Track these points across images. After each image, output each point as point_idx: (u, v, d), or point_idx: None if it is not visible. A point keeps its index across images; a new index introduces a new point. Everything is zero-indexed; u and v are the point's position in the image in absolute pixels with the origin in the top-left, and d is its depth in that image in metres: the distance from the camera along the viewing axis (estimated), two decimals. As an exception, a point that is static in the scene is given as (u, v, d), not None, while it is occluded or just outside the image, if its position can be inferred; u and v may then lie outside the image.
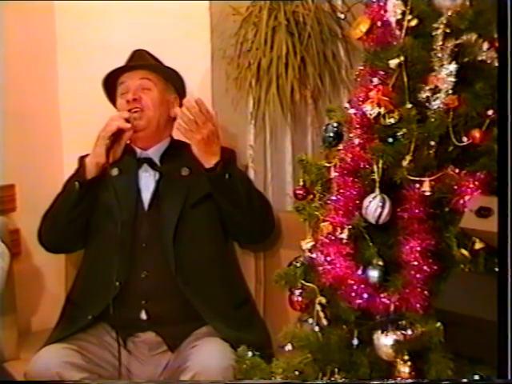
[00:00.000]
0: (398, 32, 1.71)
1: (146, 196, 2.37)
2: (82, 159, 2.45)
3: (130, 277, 2.28)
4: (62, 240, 2.41)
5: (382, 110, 1.67)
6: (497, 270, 1.41)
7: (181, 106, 2.48)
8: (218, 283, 2.33)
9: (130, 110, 2.35)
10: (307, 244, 1.84)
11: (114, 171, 2.34)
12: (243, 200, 2.30)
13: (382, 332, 1.64)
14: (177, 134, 2.51)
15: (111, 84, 2.46)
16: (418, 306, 1.62)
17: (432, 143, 1.65)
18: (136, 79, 2.41)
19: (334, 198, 1.76)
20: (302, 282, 1.84)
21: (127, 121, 2.29)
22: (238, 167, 2.45)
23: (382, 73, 1.72)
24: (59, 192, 2.39)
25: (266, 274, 2.51)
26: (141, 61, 2.46)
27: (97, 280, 2.33)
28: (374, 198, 1.67)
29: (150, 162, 2.41)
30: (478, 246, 1.57)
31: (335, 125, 1.88)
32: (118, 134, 2.28)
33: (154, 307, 2.28)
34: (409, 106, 1.66)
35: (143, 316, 2.28)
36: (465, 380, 1.57)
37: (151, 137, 2.41)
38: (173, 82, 2.47)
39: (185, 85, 2.49)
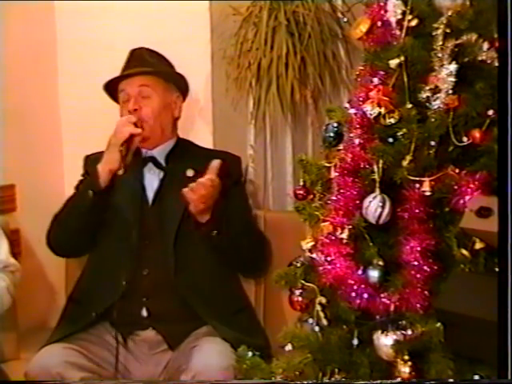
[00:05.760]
0: (398, 32, 1.70)
1: (150, 194, 2.38)
2: (87, 158, 2.45)
3: (133, 274, 2.29)
4: (73, 245, 2.42)
5: (383, 110, 1.67)
6: (497, 269, 1.41)
7: (183, 100, 2.48)
8: (218, 287, 2.33)
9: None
10: (307, 244, 1.84)
11: (120, 170, 2.34)
12: (231, 248, 2.31)
13: (382, 332, 1.64)
14: (183, 135, 2.52)
15: (112, 88, 2.45)
16: (418, 305, 1.62)
17: (432, 143, 1.65)
18: (135, 86, 2.39)
19: (334, 197, 1.76)
20: (302, 281, 1.84)
21: (135, 124, 2.29)
22: (241, 198, 2.47)
23: (382, 73, 1.72)
24: (69, 196, 2.39)
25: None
26: (139, 64, 2.43)
27: (103, 278, 2.33)
28: (374, 197, 1.67)
29: (154, 161, 2.41)
30: (478, 245, 1.57)
31: (335, 125, 1.88)
32: (129, 140, 2.28)
33: (155, 305, 2.28)
34: (409, 105, 1.66)
35: (144, 313, 2.28)
36: (465, 380, 1.57)
37: (156, 140, 2.42)
38: (174, 81, 2.46)
39: (186, 81, 2.48)
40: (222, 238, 2.27)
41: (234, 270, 2.43)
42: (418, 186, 1.64)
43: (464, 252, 1.59)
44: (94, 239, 2.38)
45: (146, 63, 2.44)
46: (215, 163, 2.25)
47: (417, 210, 1.64)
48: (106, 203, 2.31)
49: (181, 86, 2.48)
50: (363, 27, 1.76)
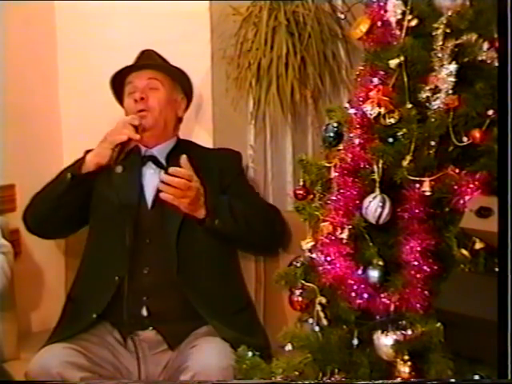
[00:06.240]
0: (398, 32, 1.71)
1: (150, 192, 2.37)
2: (87, 153, 2.46)
3: (132, 272, 2.28)
4: (43, 224, 2.41)
5: (382, 110, 1.67)
6: (497, 269, 1.41)
7: (187, 106, 2.50)
8: (220, 286, 2.33)
9: (137, 112, 2.36)
10: (307, 244, 1.84)
11: (118, 168, 2.34)
12: (242, 230, 2.31)
13: (382, 332, 1.64)
14: (183, 135, 2.52)
15: (118, 83, 2.47)
16: (418, 305, 1.62)
17: (432, 143, 1.65)
18: (144, 79, 2.42)
19: (334, 197, 1.76)
20: (302, 282, 1.84)
21: (136, 128, 2.29)
22: (242, 181, 2.50)
23: (382, 73, 1.72)
24: (53, 178, 2.41)
25: (266, 273, 2.51)
26: (149, 61, 2.47)
27: (98, 276, 2.33)
28: (374, 197, 1.67)
29: (154, 159, 2.42)
30: (478, 245, 1.57)
31: (335, 125, 1.88)
32: (125, 142, 2.28)
33: (155, 304, 2.28)
34: (409, 105, 1.66)
35: (144, 313, 2.28)
36: (465, 380, 1.57)
37: (157, 135, 2.42)
38: (180, 82, 2.48)
39: (192, 86, 2.50)
40: (225, 224, 2.27)
41: (248, 252, 2.47)
42: (418, 185, 1.64)
43: (464, 252, 1.59)
44: (67, 225, 2.41)
45: (156, 60, 2.48)
46: (182, 158, 2.24)
47: (417, 210, 1.64)
48: (83, 190, 2.32)
49: (186, 88, 2.49)
50: (363, 27, 1.76)
